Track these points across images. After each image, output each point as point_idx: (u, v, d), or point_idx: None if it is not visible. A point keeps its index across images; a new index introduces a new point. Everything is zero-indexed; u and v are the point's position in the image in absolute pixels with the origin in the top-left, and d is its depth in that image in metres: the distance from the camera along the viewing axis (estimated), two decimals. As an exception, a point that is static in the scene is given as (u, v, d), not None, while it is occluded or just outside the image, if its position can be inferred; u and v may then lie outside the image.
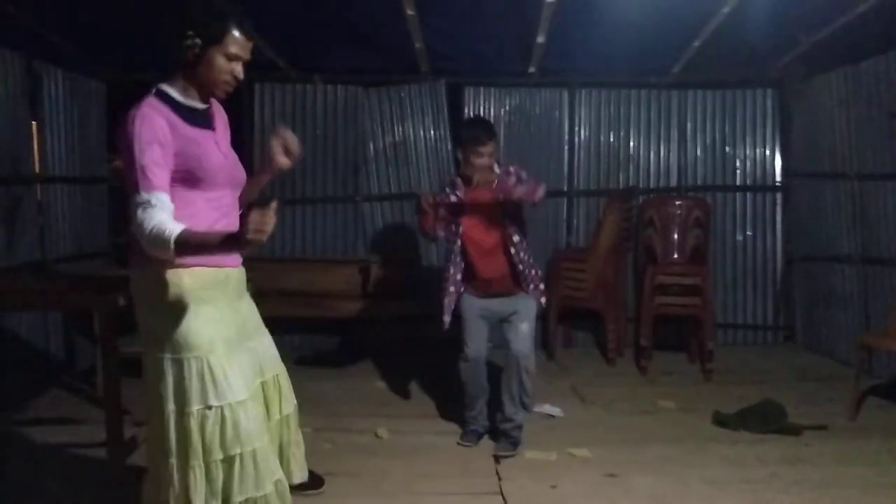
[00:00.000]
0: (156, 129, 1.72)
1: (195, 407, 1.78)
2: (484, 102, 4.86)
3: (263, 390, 2.01)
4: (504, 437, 3.05)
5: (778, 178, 4.87)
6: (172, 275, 1.79)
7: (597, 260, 4.32)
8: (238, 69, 1.82)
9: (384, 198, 4.84)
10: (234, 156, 1.94)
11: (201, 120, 1.85)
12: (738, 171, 4.90)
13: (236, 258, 1.96)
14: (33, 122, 3.92)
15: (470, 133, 3.07)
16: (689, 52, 4.42)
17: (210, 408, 1.78)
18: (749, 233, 4.89)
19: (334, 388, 3.90)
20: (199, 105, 1.85)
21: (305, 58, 4.59)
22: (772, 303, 4.90)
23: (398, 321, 4.63)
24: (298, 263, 4.70)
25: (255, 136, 4.74)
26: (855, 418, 3.35)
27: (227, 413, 1.78)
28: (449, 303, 3.09)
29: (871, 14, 3.70)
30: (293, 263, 4.67)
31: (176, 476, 1.79)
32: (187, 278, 1.80)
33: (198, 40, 1.76)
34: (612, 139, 4.90)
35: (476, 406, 3.17)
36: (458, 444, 3.12)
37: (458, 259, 3.10)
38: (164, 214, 1.68)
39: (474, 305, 3.09)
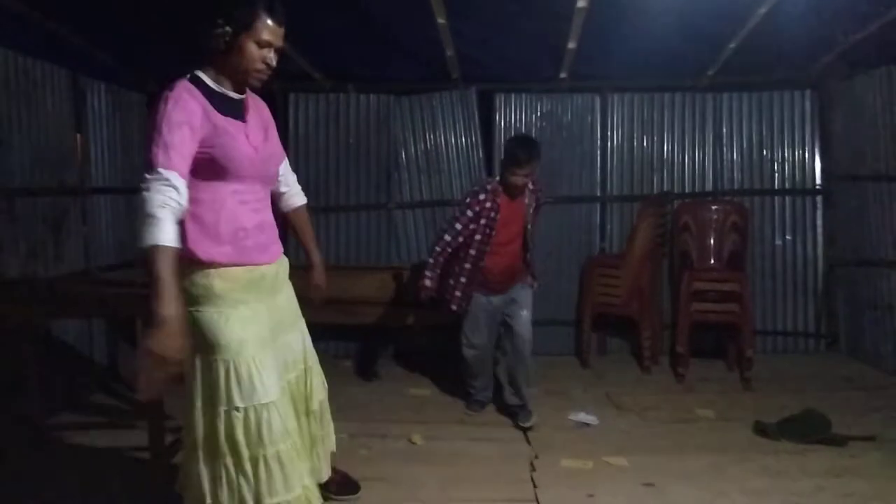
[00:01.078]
0: (189, 112, 1.69)
1: (222, 408, 1.79)
2: (515, 109, 4.86)
3: (296, 385, 2.02)
4: (521, 410, 3.40)
5: (818, 181, 4.76)
6: (203, 277, 1.80)
7: (631, 266, 4.27)
8: (270, 56, 1.78)
9: (416, 205, 4.87)
10: (267, 150, 1.90)
11: (233, 109, 1.81)
12: (776, 175, 4.80)
13: (273, 254, 1.95)
14: (78, 135, 4.06)
15: (511, 151, 3.24)
16: (724, 54, 4.35)
17: (238, 409, 1.78)
18: (788, 237, 4.78)
19: (369, 394, 3.93)
20: (233, 94, 1.82)
21: (338, 68, 4.65)
22: (813, 309, 4.77)
23: (431, 328, 4.64)
24: (331, 270, 4.68)
25: (290, 146, 4.82)
26: (904, 429, 3.24)
27: (251, 414, 1.79)
28: (464, 292, 3.37)
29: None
30: (326, 270, 4.70)
31: (204, 471, 1.81)
32: (218, 281, 1.80)
33: (228, 28, 1.72)
34: (645, 144, 4.85)
35: (481, 378, 3.57)
36: (465, 413, 3.57)
37: (478, 258, 3.33)
38: (169, 211, 1.59)
39: (483, 303, 3.42)
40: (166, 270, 1.57)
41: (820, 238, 4.76)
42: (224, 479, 1.81)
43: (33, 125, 3.62)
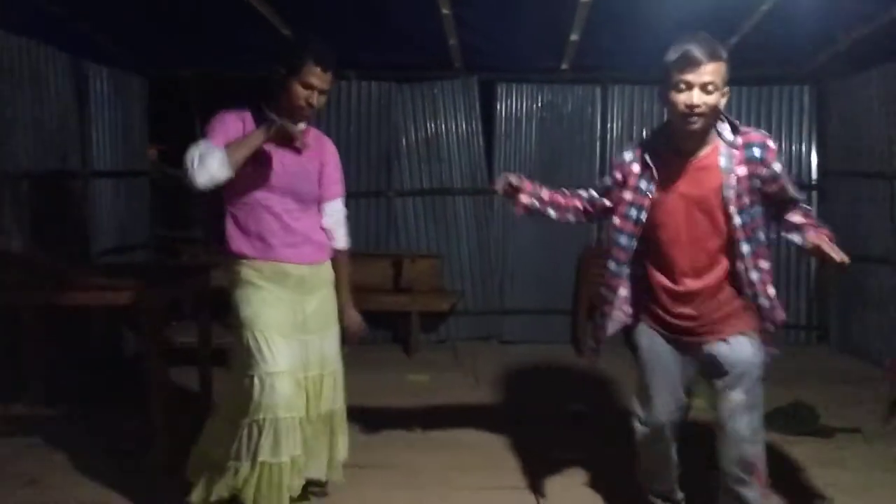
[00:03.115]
0: (227, 123, 2.08)
1: (238, 373, 2.10)
2: (516, 98, 4.88)
3: (311, 384, 2.22)
4: None
5: (814, 176, 4.82)
6: (236, 265, 2.16)
7: (628, 257, 4.32)
8: (312, 97, 2.07)
9: (416, 193, 4.90)
10: (303, 173, 2.18)
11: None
12: (772, 169, 4.85)
13: (304, 256, 2.19)
14: (80, 119, 4.06)
15: (677, 47, 1.84)
16: (725, 48, 4.37)
17: (249, 375, 2.06)
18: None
19: (367, 380, 3.95)
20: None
21: (340, 54, 4.63)
22: (805, 302, 4.86)
23: (429, 314, 4.71)
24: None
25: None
26: (889, 423, 3.32)
27: (254, 382, 2.05)
28: (608, 327, 2.14)
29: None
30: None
31: (224, 428, 2.13)
32: (245, 269, 2.15)
33: (282, 70, 2.06)
34: (644, 135, 4.88)
35: (659, 477, 2.21)
36: None
37: (636, 267, 2.08)
38: (206, 146, 1.97)
39: (658, 340, 2.08)
40: (236, 140, 2.02)
41: (813, 232, 4.82)
42: (236, 436, 2.06)
43: (36, 109, 3.63)
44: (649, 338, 2.10)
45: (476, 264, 4.91)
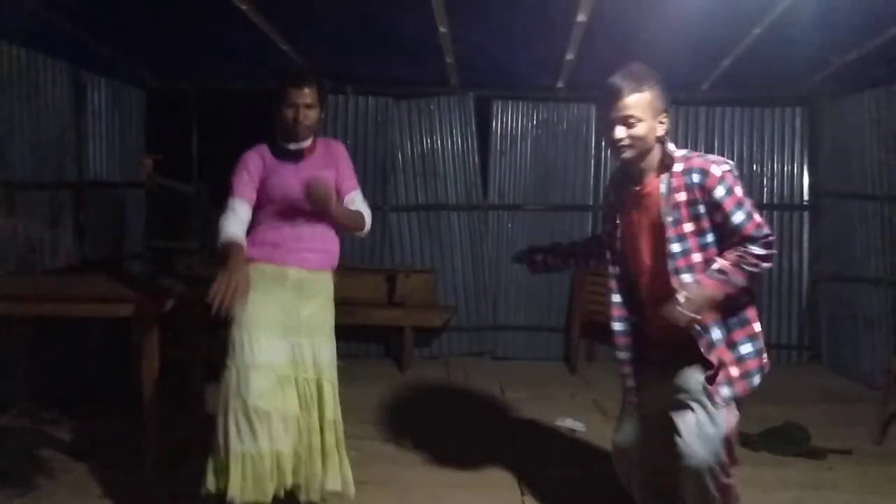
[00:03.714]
0: (248, 162, 2.40)
1: (225, 364, 2.26)
2: (512, 116, 4.92)
3: (305, 385, 2.32)
4: None
5: (805, 196, 4.86)
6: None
7: (621, 275, 4.35)
8: (298, 114, 2.33)
9: (412, 208, 4.92)
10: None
11: (287, 156, 2.41)
12: (764, 189, 4.89)
13: (306, 261, 2.36)
14: (76, 129, 4.06)
15: (608, 83, 1.89)
16: (719, 69, 4.44)
17: (227, 366, 2.23)
18: (775, 251, 4.86)
19: (359, 396, 3.96)
20: (290, 146, 2.41)
21: (338, 69, 4.68)
22: (797, 322, 4.88)
23: (423, 330, 4.71)
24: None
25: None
26: (880, 443, 3.33)
27: (237, 373, 2.20)
28: (624, 366, 2.09)
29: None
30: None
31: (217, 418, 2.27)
32: (252, 272, 2.27)
33: (273, 104, 2.37)
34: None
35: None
36: None
37: (617, 296, 2.08)
38: (232, 220, 2.30)
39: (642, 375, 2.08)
40: (226, 247, 2.27)
41: (805, 253, 4.86)
42: (217, 422, 2.21)
43: (33, 119, 3.63)
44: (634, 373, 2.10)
45: (470, 280, 4.92)
